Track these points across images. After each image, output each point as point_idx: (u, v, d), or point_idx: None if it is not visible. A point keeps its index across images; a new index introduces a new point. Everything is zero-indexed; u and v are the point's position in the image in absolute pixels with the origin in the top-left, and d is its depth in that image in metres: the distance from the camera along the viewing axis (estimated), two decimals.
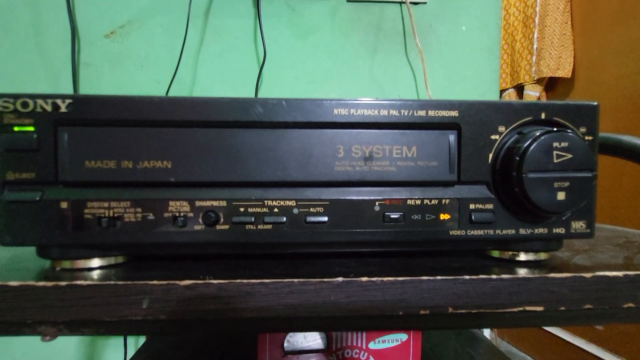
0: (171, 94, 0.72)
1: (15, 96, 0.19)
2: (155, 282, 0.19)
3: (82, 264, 0.21)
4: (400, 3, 0.75)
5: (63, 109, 0.19)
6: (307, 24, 0.74)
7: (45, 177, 0.19)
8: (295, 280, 0.19)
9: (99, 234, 0.19)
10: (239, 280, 0.19)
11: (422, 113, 0.20)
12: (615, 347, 0.92)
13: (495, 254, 0.24)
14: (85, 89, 0.72)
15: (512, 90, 1.55)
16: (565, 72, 1.51)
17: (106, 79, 0.72)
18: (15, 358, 0.75)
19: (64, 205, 0.19)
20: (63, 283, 0.18)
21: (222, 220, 0.20)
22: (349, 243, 0.21)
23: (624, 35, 1.10)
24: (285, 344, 0.49)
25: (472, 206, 0.21)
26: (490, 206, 0.21)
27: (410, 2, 0.74)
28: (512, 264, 0.23)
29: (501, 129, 0.21)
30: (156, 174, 0.19)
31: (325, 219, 0.20)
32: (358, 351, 0.50)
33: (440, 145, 0.21)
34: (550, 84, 1.60)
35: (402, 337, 0.51)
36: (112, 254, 0.21)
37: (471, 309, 0.20)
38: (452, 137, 0.21)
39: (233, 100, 0.19)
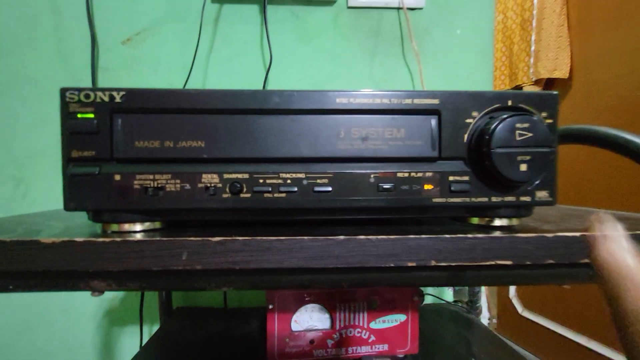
0: None
1: (79, 89, 0.23)
2: (192, 238, 0.23)
3: (127, 227, 0.25)
4: (398, 9, 0.80)
5: (118, 100, 0.23)
6: (310, 30, 0.79)
7: (102, 155, 0.23)
8: (306, 237, 0.23)
9: (146, 200, 0.24)
10: (259, 238, 0.23)
11: (408, 101, 0.25)
12: (616, 342, 0.95)
13: (474, 221, 0.28)
14: None
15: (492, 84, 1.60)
16: (562, 73, 1.55)
17: (123, 83, 0.77)
18: (36, 346, 0.80)
19: (117, 177, 0.23)
20: (118, 239, 0.23)
21: (245, 189, 0.24)
22: (349, 209, 0.25)
23: (620, 36, 1.14)
24: (292, 324, 0.53)
25: (451, 178, 0.25)
26: (466, 178, 0.25)
27: (408, 8, 0.79)
28: (488, 229, 0.27)
29: (474, 114, 0.25)
30: (192, 152, 0.24)
31: (330, 188, 0.24)
32: (360, 330, 0.54)
33: (424, 127, 0.25)
34: (548, 85, 1.63)
35: (401, 317, 0.55)
36: (152, 220, 0.26)
37: (451, 262, 0.24)
38: (433, 121, 0.25)
39: (255, 92, 0.24)
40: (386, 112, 0.25)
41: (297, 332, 0.52)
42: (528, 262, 0.25)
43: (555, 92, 0.26)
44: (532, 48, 1.65)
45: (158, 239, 0.23)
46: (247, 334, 0.61)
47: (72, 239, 0.23)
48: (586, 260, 0.25)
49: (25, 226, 0.28)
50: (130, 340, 0.79)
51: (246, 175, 0.24)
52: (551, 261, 0.25)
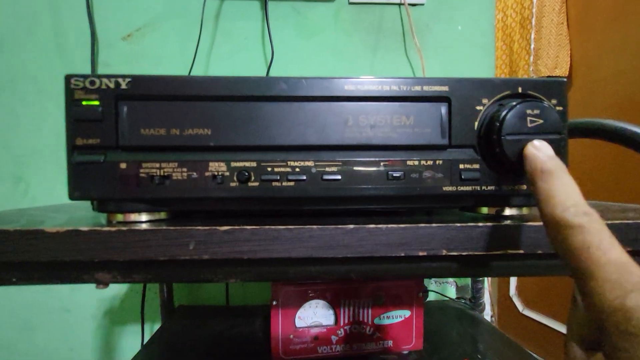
0: None
1: (84, 76, 0.23)
2: (199, 227, 0.23)
3: (133, 217, 0.25)
4: (399, 4, 0.79)
5: (123, 86, 0.23)
6: (312, 25, 0.79)
7: (107, 142, 0.23)
8: (315, 226, 0.23)
9: (152, 189, 0.23)
10: (267, 227, 0.23)
11: (418, 88, 0.24)
12: None
13: (484, 210, 0.28)
14: None
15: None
16: (562, 70, 1.55)
17: None
18: (37, 345, 0.79)
19: (123, 165, 0.23)
20: (124, 228, 0.22)
21: (252, 178, 0.24)
22: (359, 198, 0.24)
23: (620, 33, 1.14)
24: (297, 320, 0.52)
25: (461, 166, 0.25)
26: (476, 166, 0.25)
27: (409, 4, 0.78)
28: (498, 218, 0.27)
29: (484, 101, 0.25)
30: (198, 139, 0.23)
31: (339, 177, 0.24)
32: (364, 326, 0.54)
33: (433, 115, 0.25)
34: None
35: (406, 313, 0.55)
36: (157, 210, 0.25)
37: (461, 251, 0.24)
38: (443, 109, 0.25)
39: (261, 78, 0.24)
40: (395, 100, 0.24)
41: (301, 328, 0.52)
42: (539, 252, 0.24)
43: (563, 79, 0.26)
44: (532, 46, 1.65)
45: (165, 228, 0.22)
46: (251, 331, 0.61)
47: (77, 228, 0.22)
48: None
49: (28, 217, 0.28)
50: (132, 340, 0.79)
51: (254, 164, 0.24)
52: None
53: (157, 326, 0.78)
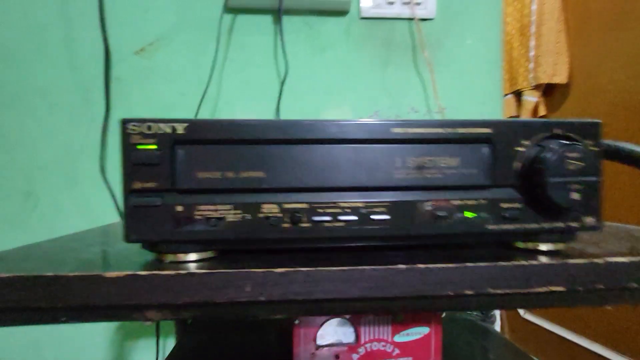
0: (195, 105, 0.76)
1: (142, 120, 0.23)
2: (255, 270, 0.23)
3: (182, 256, 0.25)
4: (410, 19, 0.81)
5: (180, 131, 0.23)
6: (324, 40, 0.80)
7: (164, 186, 0.24)
8: (367, 267, 0.24)
9: (207, 231, 0.24)
10: (321, 269, 0.23)
11: (462, 130, 0.25)
12: (617, 344, 0.96)
13: (520, 245, 0.29)
14: (116, 102, 0.76)
15: (511, 96, 1.62)
16: (561, 78, 1.58)
17: (136, 93, 0.77)
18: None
19: (179, 208, 0.24)
20: (183, 271, 0.23)
21: (304, 219, 0.24)
22: (406, 237, 0.25)
23: (618, 41, 1.16)
24: (318, 338, 0.53)
25: (503, 205, 0.26)
26: (517, 205, 0.26)
27: (419, 18, 0.80)
28: (535, 253, 0.27)
29: (525, 142, 0.26)
30: (252, 182, 0.24)
31: (387, 217, 0.25)
32: (384, 344, 0.54)
33: (477, 156, 0.26)
34: (548, 90, 1.67)
35: (425, 330, 0.56)
36: (206, 249, 0.26)
37: (506, 289, 0.25)
38: (486, 150, 0.26)
39: (314, 122, 0.24)
40: (441, 141, 0.25)
41: (323, 346, 0.52)
42: (579, 288, 0.25)
43: (598, 121, 0.27)
44: (532, 53, 1.68)
45: (223, 271, 0.23)
46: (270, 348, 0.61)
47: (136, 273, 0.23)
48: (634, 284, 0.26)
49: (73, 254, 0.28)
50: (145, 356, 0.78)
51: (305, 205, 0.24)
52: (601, 286, 0.26)
53: (170, 340, 0.78)
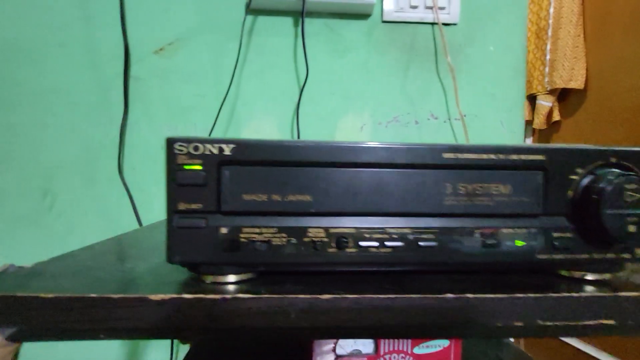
0: (214, 107, 0.76)
1: (189, 140, 0.23)
2: (301, 295, 0.23)
3: (222, 278, 0.25)
4: (432, 24, 0.79)
5: (227, 152, 0.23)
6: (345, 43, 0.79)
7: (209, 207, 0.23)
8: (415, 295, 0.23)
9: (251, 254, 0.23)
10: (369, 296, 0.23)
11: (515, 157, 0.24)
12: (627, 355, 0.95)
13: (564, 273, 0.28)
14: (135, 101, 0.76)
15: (524, 100, 1.60)
16: (578, 83, 1.56)
17: (154, 92, 0.77)
18: (58, 359, 0.79)
19: (224, 230, 0.23)
20: (228, 296, 0.22)
21: (350, 244, 0.24)
22: (454, 264, 0.25)
23: (636, 47, 1.13)
24: (337, 348, 0.53)
25: (554, 234, 0.25)
26: (569, 234, 0.25)
27: (442, 23, 0.78)
28: (581, 283, 0.27)
29: (579, 170, 0.25)
30: (299, 206, 0.23)
31: (435, 243, 0.24)
32: (404, 355, 0.54)
33: (529, 183, 0.25)
34: (563, 95, 1.64)
35: (444, 342, 0.55)
36: (247, 271, 0.25)
37: (556, 321, 0.24)
38: (539, 177, 0.25)
39: (363, 146, 0.23)
40: (492, 167, 0.24)
41: (342, 356, 0.52)
42: (630, 322, 0.25)
43: None
44: (548, 57, 1.65)
45: (267, 296, 0.22)
46: (287, 356, 0.61)
47: (181, 296, 0.22)
48: None
49: (109, 269, 0.28)
50: (159, 356, 0.79)
51: (352, 230, 0.24)
52: None
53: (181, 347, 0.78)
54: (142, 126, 0.76)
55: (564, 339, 1.15)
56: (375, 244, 0.24)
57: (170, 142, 0.23)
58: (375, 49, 0.80)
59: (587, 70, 1.55)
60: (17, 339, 0.24)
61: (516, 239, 0.25)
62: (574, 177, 0.25)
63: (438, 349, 0.55)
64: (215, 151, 0.23)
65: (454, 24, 0.80)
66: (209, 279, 0.25)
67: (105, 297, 0.22)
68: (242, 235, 0.23)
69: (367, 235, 0.24)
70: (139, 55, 0.76)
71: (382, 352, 0.54)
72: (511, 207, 0.25)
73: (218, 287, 0.24)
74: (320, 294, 0.23)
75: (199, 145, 0.23)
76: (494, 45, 0.82)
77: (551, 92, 1.69)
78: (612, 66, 1.28)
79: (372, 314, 0.23)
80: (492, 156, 0.24)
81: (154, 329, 0.23)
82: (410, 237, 0.24)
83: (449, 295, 0.23)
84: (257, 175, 0.23)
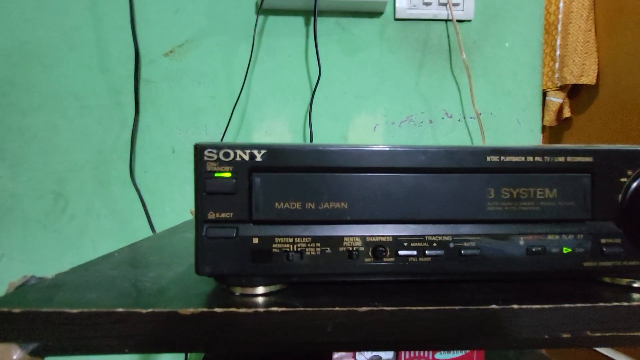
0: (226, 108, 0.75)
1: (218, 147, 0.22)
2: (337, 308, 0.21)
3: (251, 290, 0.24)
4: (447, 21, 0.78)
5: (258, 158, 0.22)
6: (357, 42, 0.77)
7: (240, 216, 0.22)
8: (457, 307, 0.22)
9: (284, 265, 0.22)
10: (407, 308, 0.22)
11: (561, 159, 0.23)
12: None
13: (607, 280, 0.26)
14: (146, 104, 0.76)
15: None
16: (589, 79, 1.53)
17: (165, 95, 0.76)
18: None
19: (255, 240, 0.22)
20: (261, 309, 0.21)
21: (388, 253, 0.22)
22: (497, 273, 0.23)
23: None
24: (357, 355, 0.51)
25: (603, 240, 0.23)
26: (618, 240, 0.24)
27: (457, 20, 0.77)
28: (628, 290, 0.25)
29: (629, 172, 0.23)
30: (334, 214, 0.22)
31: (478, 252, 0.23)
32: None
33: (576, 187, 0.23)
34: (574, 91, 1.61)
35: None
36: (275, 282, 0.24)
37: (605, 332, 0.23)
38: (586, 180, 0.23)
39: (400, 150, 0.22)
40: (538, 170, 0.23)
41: None
42: None
43: None
44: (558, 53, 1.62)
45: (302, 309, 0.21)
46: None
47: (212, 310, 0.21)
48: None
49: (131, 279, 0.27)
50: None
51: (390, 238, 0.22)
52: None
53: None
54: (153, 129, 0.76)
55: None
56: (414, 252, 0.22)
57: (200, 149, 0.22)
58: (388, 47, 0.78)
59: (598, 65, 1.51)
60: (41, 354, 0.23)
61: (563, 246, 0.23)
62: (623, 179, 0.23)
63: (460, 354, 0.54)
64: (246, 157, 0.22)
65: (468, 21, 0.78)
66: (238, 290, 0.24)
67: (133, 312, 0.21)
68: (274, 246, 0.22)
69: (405, 244, 0.23)
70: (149, 57, 0.75)
71: (402, 358, 0.52)
72: (557, 212, 0.23)
73: (248, 299, 0.23)
74: (357, 306, 0.22)
75: (229, 151, 0.22)
76: (510, 42, 0.80)
77: (561, 88, 1.66)
78: (625, 61, 1.25)
79: (413, 327, 0.22)
80: (538, 158, 0.23)
81: (183, 343, 0.22)
82: (451, 245, 0.23)
83: (494, 306, 0.22)
84: (289, 182, 0.22)
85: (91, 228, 0.76)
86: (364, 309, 0.22)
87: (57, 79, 0.75)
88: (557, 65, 1.70)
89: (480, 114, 0.79)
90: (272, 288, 0.24)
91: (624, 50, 1.22)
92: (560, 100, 1.70)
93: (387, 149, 0.22)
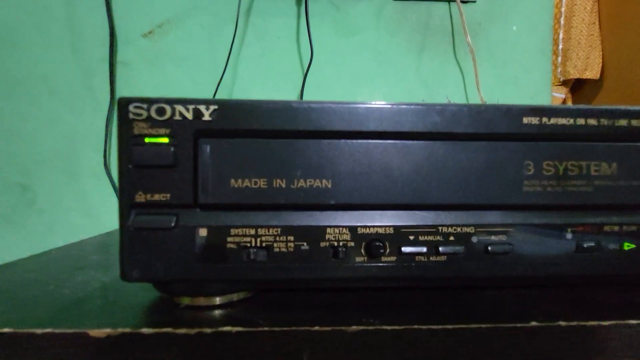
0: (209, 94, 0.69)
1: (150, 101, 0.15)
2: (317, 328, 0.15)
3: (204, 300, 0.18)
4: (449, 1, 0.72)
5: (206, 117, 0.15)
6: (352, 23, 0.71)
7: (181, 199, 0.16)
8: (484, 325, 0.16)
9: (244, 267, 0.16)
10: (415, 327, 0.16)
11: (623, 122, 0.17)
12: None
13: None
14: (122, 89, 0.69)
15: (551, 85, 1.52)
16: (593, 73, 1.47)
17: (143, 79, 0.69)
18: None
19: (202, 232, 0.16)
20: (209, 330, 0.15)
21: (387, 250, 0.16)
22: (536, 277, 0.17)
23: None
24: None
25: None
26: None
27: (461, 1, 0.71)
28: None
29: None
30: (313, 196, 0.16)
31: (510, 248, 0.17)
32: None
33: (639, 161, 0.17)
34: (577, 86, 1.56)
35: None
36: (236, 290, 0.18)
37: None
38: None
39: (406, 108, 0.16)
40: (593, 138, 0.17)
41: None
42: None
43: None
44: (561, 47, 1.57)
45: (266, 329, 0.15)
46: None
47: (137, 331, 0.15)
48: None
49: (52, 289, 0.21)
50: None
51: (390, 230, 0.16)
52: None
53: None
54: None
55: None
56: (424, 249, 0.16)
57: (124, 104, 0.15)
58: (385, 29, 0.72)
59: (602, 59, 1.46)
60: None
61: (624, 241, 0.17)
62: None
63: None
64: (190, 116, 0.15)
65: (473, 1, 0.72)
66: (185, 301, 0.17)
67: (23, 333, 0.15)
68: (229, 239, 0.16)
69: (411, 238, 0.16)
70: (125, 38, 0.69)
71: None
72: (617, 194, 0.17)
73: (195, 314, 0.17)
74: (345, 325, 0.15)
75: (165, 106, 0.15)
76: (517, 25, 0.74)
77: (564, 83, 1.60)
78: (630, 54, 1.19)
79: (421, 351, 0.16)
80: (592, 122, 0.17)
81: None
82: (474, 239, 0.16)
83: (534, 323, 0.16)
84: (251, 151, 0.16)
85: (61, 224, 0.69)
86: (355, 328, 0.15)
87: (25, 62, 0.69)
88: (559, 59, 1.64)
89: (486, 101, 0.73)
90: (232, 297, 0.18)
91: (629, 44, 1.16)
92: (563, 96, 1.64)
93: (387, 106, 0.16)
